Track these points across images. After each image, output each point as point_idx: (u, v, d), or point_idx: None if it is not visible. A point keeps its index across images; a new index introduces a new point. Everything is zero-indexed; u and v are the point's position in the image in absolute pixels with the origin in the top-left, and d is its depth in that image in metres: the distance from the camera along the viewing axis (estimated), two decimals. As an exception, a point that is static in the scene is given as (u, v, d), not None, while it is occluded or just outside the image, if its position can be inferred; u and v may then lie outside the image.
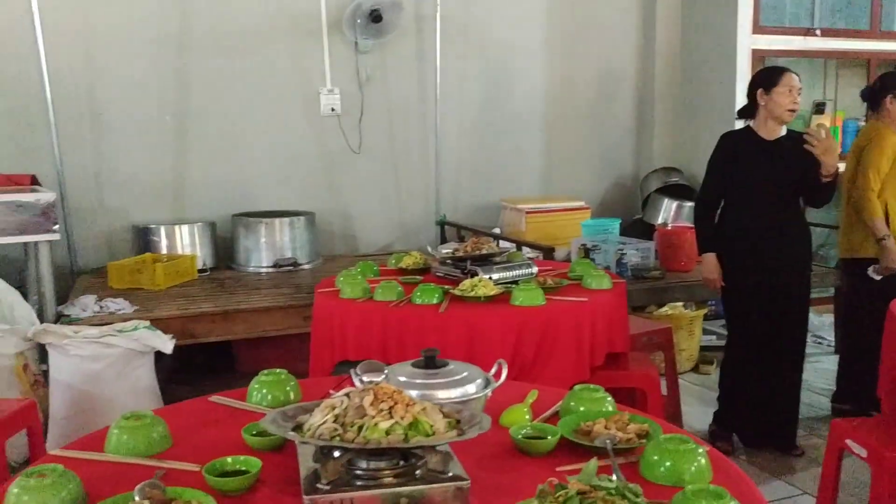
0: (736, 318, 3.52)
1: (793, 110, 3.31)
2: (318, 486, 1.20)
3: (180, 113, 4.94)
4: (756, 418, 3.53)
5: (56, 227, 3.75)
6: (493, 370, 1.70)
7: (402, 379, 1.59)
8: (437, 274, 3.16)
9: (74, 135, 4.69)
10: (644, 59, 5.97)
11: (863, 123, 4.89)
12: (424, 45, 5.38)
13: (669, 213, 5.40)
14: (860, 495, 3.07)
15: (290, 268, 4.77)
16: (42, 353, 3.52)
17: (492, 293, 2.74)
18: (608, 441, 1.45)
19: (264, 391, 1.75)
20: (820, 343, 5.18)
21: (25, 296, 3.82)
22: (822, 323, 5.31)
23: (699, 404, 4.08)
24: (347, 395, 1.31)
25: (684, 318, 4.50)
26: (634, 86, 6.02)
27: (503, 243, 4.49)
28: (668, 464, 1.38)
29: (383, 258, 3.84)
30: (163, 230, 4.70)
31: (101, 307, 3.83)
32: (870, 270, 3.69)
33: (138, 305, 3.90)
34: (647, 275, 4.45)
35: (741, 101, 3.60)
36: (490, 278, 2.85)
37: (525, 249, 4.33)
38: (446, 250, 3.24)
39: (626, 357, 3.06)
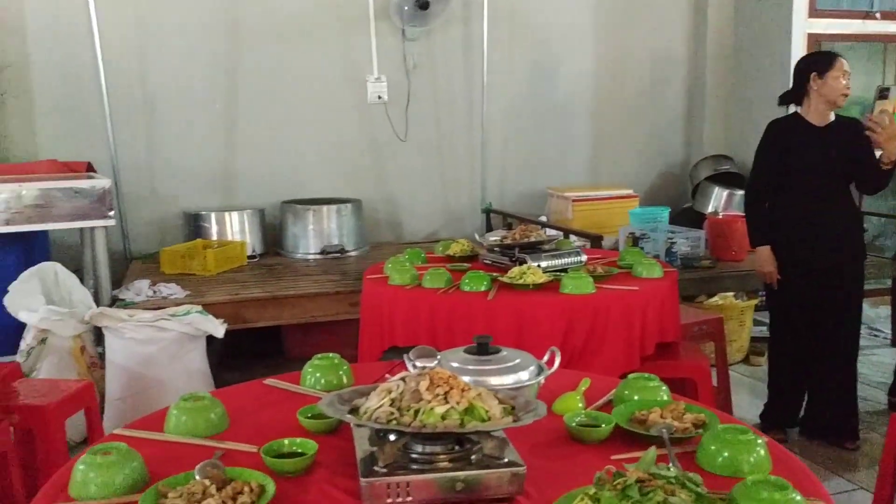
0: (785, 309, 3.44)
1: (845, 94, 3.24)
2: (376, 468, 1.21)
3: (230, 101, 5.01)
4: (809, 412, 3.46)
5: (111, 212, 3.83)
6: (546, 357, 1.69)
7: (455, 365, 1.59)
8: (485, 261, 3.16)
9: (128, 123, 4.78)
10: (695, 44, 5.86)
11: (924, 109, 4.72)
12: (471, 31, 5.36)
13: (720, 201, 5.31)
14: (919, 491, 2.99)
15: (338, 254, 4.81)
16: (98, 335, 3.62)
17: (541, 281, 2.73)
18: (664, 430, 1.44)
19: (318, 375, 1.77)
20: (876, 336, 5.05)
21: (81, 280, 3.91)
22: (877, 315, 5.18)
23: (749, 396, 4.01)
24: (403, 379, 1.31)
25: (735, 309, 4.42)
26: (685, 71, 5.90)
27: (550, 231, 4.46)
28: (725, 454, 1.36)
29: (429, 246, 3.85)
30: (213, 217, 4.77)
31: (154, 292, 3.91)
32: None
33: (190, 290, 3.97)
34: (696, 264, 4.39)
35: (796, 86, 3.50)
36: (539, 266, 2.83)
37: (572, 238, 4.29)
38: (494, 238, 3.23)
39: (676, 347, 3.02)
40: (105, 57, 4.60)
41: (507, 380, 1.56)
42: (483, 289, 2.72)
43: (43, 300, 3.46)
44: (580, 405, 1.63)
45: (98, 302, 3.79)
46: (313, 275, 4.40)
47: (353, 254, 4.88)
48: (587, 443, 1.47)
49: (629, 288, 2.74)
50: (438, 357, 1.60)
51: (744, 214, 3.58)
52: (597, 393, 1.73)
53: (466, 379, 1.44)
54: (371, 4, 5.07)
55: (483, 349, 1.63)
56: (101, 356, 3.57)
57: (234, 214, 4.81)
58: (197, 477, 1.25)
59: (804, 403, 3.52)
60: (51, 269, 3.65)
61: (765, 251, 3.36)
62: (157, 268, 4.43)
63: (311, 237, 4.83)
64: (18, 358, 3.37)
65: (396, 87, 5.24)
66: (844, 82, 3.22)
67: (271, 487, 1.23)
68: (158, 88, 4.85)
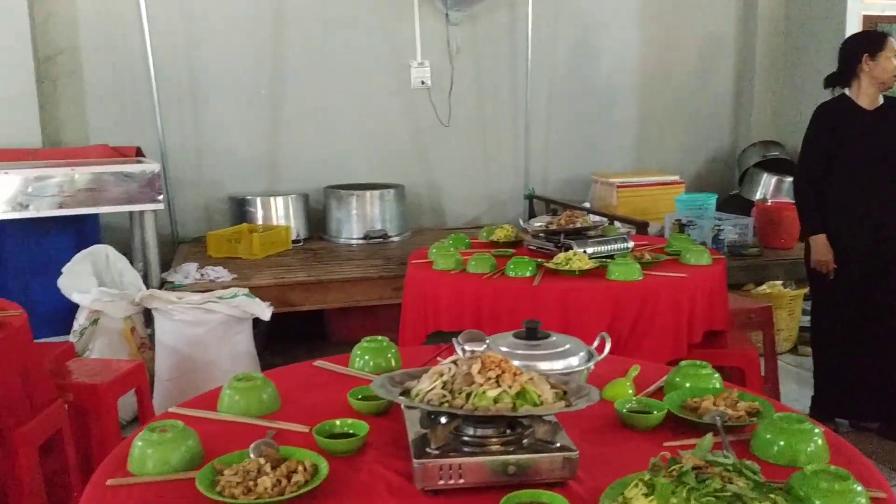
0: (834, 298, 3.35)
1: None
2: (428, 450, 1.21)
3: (275, 87, 5.04)
4: (861, 402, 3.38)
5: (160, 196, 3.90)
6: (596, 343, 1.68)
7: (504, 349, 1.59)
8: (530, 247, 3.14)
9: (175, 109, 4.85)
10: (745, 25, 5.72)
11: None
12: (516, 15, 5.31)
13: (768, 188, 5.20)
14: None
15: (380, 240, 4.83)
16: (148, 317, 3.69)
17: (587, 267, 2.71)
18: (718, 418, 1.42)
19: (366, 357, 1.78)
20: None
21: (131, 263, 3.99)
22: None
23: (798, 386, 3.94)
24: (455, 362, 1.31)
25: (784, 298, 4.34)
26: (734, 54, 5.78)
27: (594, 218, 4.41)
28: (781, 443, 1.34)
29: (471, 231, 3.84)
30: (258, 201, 4.82)
31: (201, 275, 3.97)
32: None
33: (236, 274, 4.03)
34: (744, 252, 4.32)
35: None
36: (585, 252, 2.81)
37: (617, 224, 4.24)
38: (539, 224, 3.21)
39: (724, 335, 2.98)
40: (153, 44, 4.67)
41: (557, 365, 1.55)
42: (528, 274, 2.71)
43: (95, 282, 3.54)
44: (630, 392, 1.61)
45: (147, 284, 3.87)
46: (356, 259, 4.43)
47: (395, 239, 4.90)
48: (638, 429, 1.46)
49: (678, 275, 2.70)
50: (487, 341, 1.60)
51: (794, 202, 3.50)
52: (646, 380, 1.71)
53: (516, 364, 1.44)
54: (415, -11, 5.06)
55: (532, 334, 1.63)
56: (151, 337, 3.64)
57: (279, 199, 4.86)
58: (251, 455, 1.27)
59: (854, 394, 3.44)
60: (102, 252, 3.73)
61: (821, 239, 3.27)
62: (203, 251, 4.50)
63: (354, 222, 4.86)
64: (71, 338, 3.46)
65: (440, 71, 5.22)
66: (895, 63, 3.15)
67: (325, 467, 1.24)
68: (205, 75, 4.90)
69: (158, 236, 4.14)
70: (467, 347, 1.58)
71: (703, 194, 5.01)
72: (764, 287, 4.37)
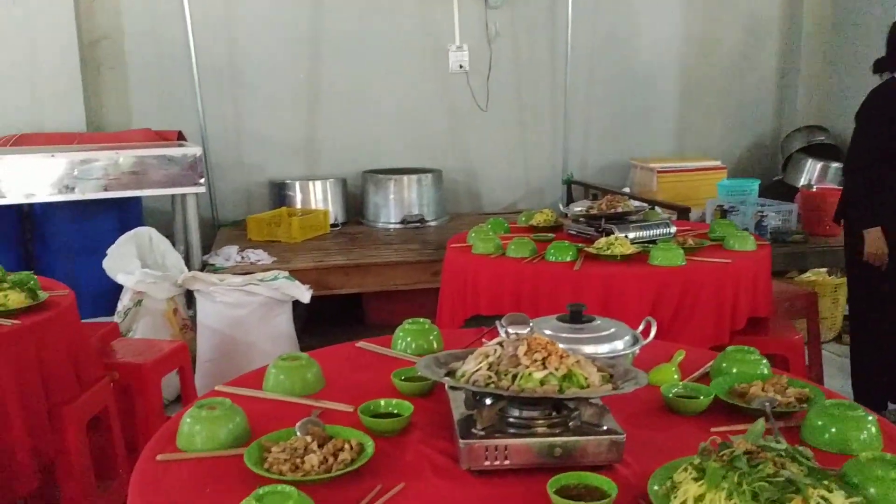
0: (878, 289, 3.26)
1: None
2: (474, 431, 1.21)
3: (313, 72, 5.06)
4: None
5: (202, 179, 3.94)
6: (641, 327, 1.66)
7: (548, 332, 1.57)
8: (570, 231, 3.12)
9: (216, 93, 4.89)
10: (791, 6, 5.59)
11: None
12: (556, -3, 5.26)
13: (813, 174, 5.09)
14: None
15: (418, 224, 4.84)
16: (189, 299, 3.74)
17: (628, 252, 2.68)
18: (767, 404, 1.39)
19: (408, 339, 1.78)
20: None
21: (173, 245, 4.05)
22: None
23: (841, 375, 3.86)
24: (500, 344, 1.31)
25: (828, 285, 4.26)
26: (779, 36, 5.65)
27: (635, 203, 4.36)
28: (833, 430, 1.32)
29: (508, 217, 3.82)
30: (297, 185, 4.86)
31: (242, 257, 4.02)
32: None
33: (276, 257, 4.07)
34: (788, 238, 4.24)
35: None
36: (626, 237, 2.78)
37: (657, 210, 4.19)
38: (579, 208, 3.18)
39: (767, 322, 2.93)
40: (195, 29, 4.71)
41: (602, 349, 1.54)
42: (569, 259, 2.69)
43: (139, 264, 3.59)
44: (676, 377, 1.59)
45: (189, 266, 3.92)
46: (394, 244, 4.44)
47: (432, 224, 4.90)
48: (685, 414, 1.44)
49: (721, 261, 2.66)
50: (531, 324, 1.59)
51: (843, 191, 3.40)
52: (691, 365, 1.69)
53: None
54: (454, -27, 5.03)
55: (577, 317, 1.61)
56: (193, 319, 3.70)
57: (318, 183, 4.89)
58: (298, 433, 1.28)
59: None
60: (146, 234, 3.79)
61: (875, 232, 3.16)
62: (243, 235, 4.54)
63: (391, 206, 4.87)
64: (116, 319, 3.52)
65: (478, 56, 5.19)
66: None
67: (371, 446, 1.24)
68: (245, 60, 4.94)
69: (199, 219, 4.20)
70: (511, 330, 1.58)
71: (746, 180, 4.93)
72: (808, 274, 4.30)
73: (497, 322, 1.64)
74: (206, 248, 4.23)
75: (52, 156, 3.73)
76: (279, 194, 4.90)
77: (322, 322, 4.40)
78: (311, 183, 4.88)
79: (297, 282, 3.54)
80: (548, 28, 5.31)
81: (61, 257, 4.01)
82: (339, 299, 4.27)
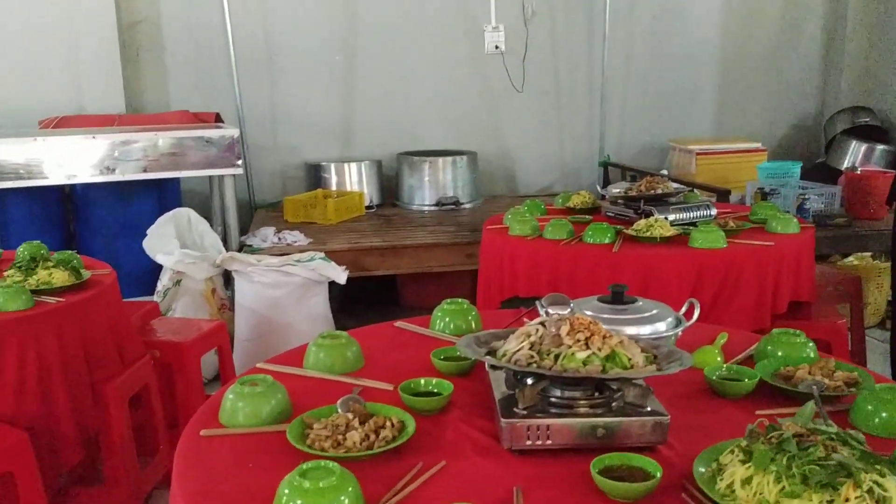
0: None
1: None
2: (515, 410, 1.20)
3: (349, 54, 5.05)
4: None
5: (239, 161, 3.97)
6: (684, 309, 1.64)
7: (590, 313, 1.56)
8: (608, 213, 3.08)
9: (252, 75, 4.91)
10: (836, -16, 5.46)
11: None
12: (593, -23, 5.18)
13: (857, 156, 4.97)
14: None
15: (452, 206, 4.83)
16: (227, 279, 3.78)
17: (668, 234, 2.64)
18: (815, 387, 1.36)
19: (447, 319, 1.78)
20: None
21: (210, 226, 4.09)
22: None
23: (884, 361, 3.77)
24: (542, 324, 1.30)
25: (873, 270, 4.17)
26: (822, 13, 5.51)
27: (675, 185, 4.30)
28: (884, 414, 1.29)
29: (544, 199, 3.79)
30: (333, 167, 4.87)
31: (279, 238, 4.04)
32: None
33: (312, 238, 4.09)
34: (831, 222, 4.14)
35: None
36: (666, 219, 2.74)
37: (696, 192, 4.12)
38: (617, 190, 3.14)
39: (809, 307, 2.87)
40: (231, 11, 4.72)
41: (644, 330, 1.52)
42: (607, 241, 2.66)
43: (178, 244, 3.64)
44: (719, 359, 1.57)
45: (227, 247, 3.96)
46: (429, 226, 4.43)
47: (467, 206, 4.88)
48: (729, 397, 1.42)
49: (764, 243, 2.61)
50: (572, 305, 1.58)
51: (887, 171, 3.31)
52: (734, 347, 1.67)
53: (602, 327, 1.41)
54: (490, -48, 4.97)
55: (618, 298, 1.59)
56: (231, 299, 3.74)
57: (353, 165, 4.89)
58: (339, 410, 1.28)
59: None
60: (185, 215, 3.83)
61: None
62: (280, 216, 4.57)
63: (426, 189, 4.86)
64: (155, 298, 3.58)
65: (514, 36, 5.14)
66: None
67: (412, 424, 1.24)
68: (281, 43, 4.95)
69: (236, 201, 4.23)
70: (551, 311, 1.56)
71: (787, 162, 4.81)
72: (851, 259, 4.21)
73: (537, 302, 1.63)
74: (244, 229, 4.27)
75: (93, 137, 3.78)
76: (315, 176, 4.91)
77: (357, 303, 4.42)
78: (346, 165, 4.89)
79: (333, 263, 3.56)
80: (584, 6, 5.24)
81: (102, 237, 4.07)
82: (374, 281, 4.29)
